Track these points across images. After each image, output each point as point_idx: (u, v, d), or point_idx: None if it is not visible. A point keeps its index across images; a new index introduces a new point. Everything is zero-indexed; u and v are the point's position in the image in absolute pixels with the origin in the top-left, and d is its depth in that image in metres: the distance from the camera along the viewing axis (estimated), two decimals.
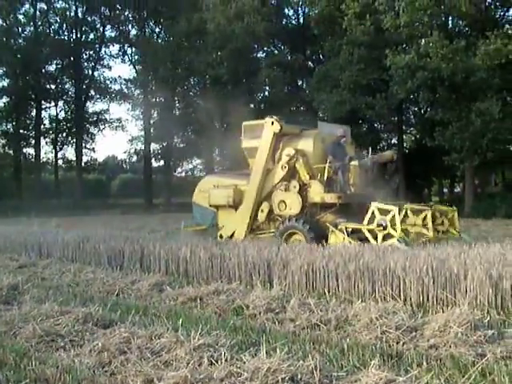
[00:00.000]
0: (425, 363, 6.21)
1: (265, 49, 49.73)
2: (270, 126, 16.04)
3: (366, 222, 13.73)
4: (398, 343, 6.91)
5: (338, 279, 9.65)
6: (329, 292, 9.70)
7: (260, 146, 16.30)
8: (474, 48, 32.40)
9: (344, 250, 10.90)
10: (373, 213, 13.62)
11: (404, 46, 35.39)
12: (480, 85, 32.63)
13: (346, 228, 14.05)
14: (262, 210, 16.36)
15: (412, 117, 47.58)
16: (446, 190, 54.16)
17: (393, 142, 47.02)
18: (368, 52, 36.72)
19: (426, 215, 14.06)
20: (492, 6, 36.40)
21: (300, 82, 48.61)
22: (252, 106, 47.23)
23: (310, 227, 14.59)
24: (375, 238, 13.47)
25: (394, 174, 16.32)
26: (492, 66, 31.70)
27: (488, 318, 7.73)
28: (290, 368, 5.50)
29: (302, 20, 49.05)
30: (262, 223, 16.52)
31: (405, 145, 47.35)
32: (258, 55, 50.19)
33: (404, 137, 46.86)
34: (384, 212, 13.54)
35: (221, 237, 16.59)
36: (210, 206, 17.57)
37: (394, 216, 13.28)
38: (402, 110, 43.28)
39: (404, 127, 45.68)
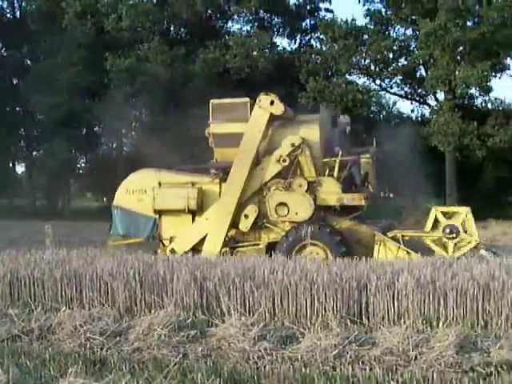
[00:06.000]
0: (127, 367, 6.29)
1: None
2: (266, 105, 12.56)
3: (428, 229, 11.82)
4: (102, 349, 6.92)
5: (44, 287, 9.34)
6: (34, 301, 9.32)
7: (247, 131, 12.77)
8: (194, 56, 33.81)
9: (51, 256, 10.58)
10: (436, 219, 11.68)
11: (125, 49, 35.62)
12: (198, 91, 33.94)
13: (402, 236, 11.83)
14: (245, 216, 12.83)
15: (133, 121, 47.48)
16: None
17: (114, 146, 46.64)
18: (88, 53, 36.28)
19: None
20: (212, 17, 38.17)
21: (16, 81, 46.20)
22: None
23: (330, 232, 12.03)
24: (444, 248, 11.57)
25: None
26: (210, 74, 33.27)
27: (193, 318, 7.98)
28: None
29: (18, 14, 46.75)
30: (241, 233, 13.06)
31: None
32: None
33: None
34: (449, 215, 11.73)
35: (172, 251, 12.87)
36: (155, 210, 13.50)
37: (465, 218, 11.52)
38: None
39: (124, 131, 45.31)
